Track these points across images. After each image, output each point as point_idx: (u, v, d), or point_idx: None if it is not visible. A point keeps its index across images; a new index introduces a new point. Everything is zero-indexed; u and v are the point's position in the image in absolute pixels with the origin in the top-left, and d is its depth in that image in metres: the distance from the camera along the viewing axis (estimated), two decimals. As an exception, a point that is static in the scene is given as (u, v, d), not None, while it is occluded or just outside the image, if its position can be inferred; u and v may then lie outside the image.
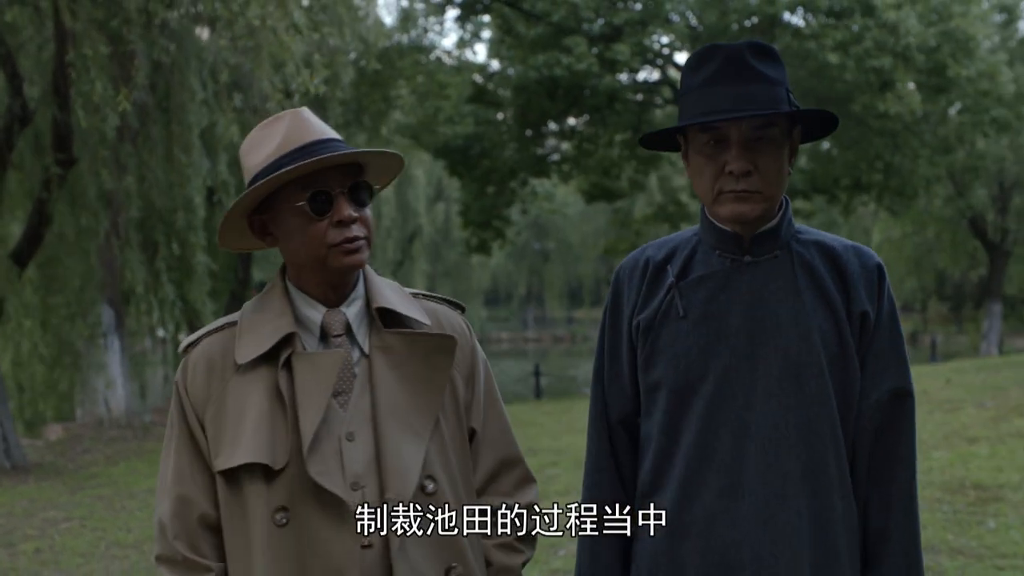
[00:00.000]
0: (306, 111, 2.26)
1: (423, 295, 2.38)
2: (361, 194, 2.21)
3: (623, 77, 19.65)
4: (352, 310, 2.25)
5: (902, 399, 2.31)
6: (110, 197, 13.28)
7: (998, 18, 24.78)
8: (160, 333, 17.78)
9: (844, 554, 2.27)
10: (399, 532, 2.12)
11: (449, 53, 20.99)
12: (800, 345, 2.27)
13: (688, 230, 2.48)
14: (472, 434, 2.34)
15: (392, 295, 2.28)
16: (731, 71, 2.22)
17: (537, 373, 23.54)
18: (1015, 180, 28.24)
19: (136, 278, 13.50)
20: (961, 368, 18.15)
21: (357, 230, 2.18)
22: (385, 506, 2.13)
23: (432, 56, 21.56)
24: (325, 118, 15.39)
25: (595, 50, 19.09)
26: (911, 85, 18.98)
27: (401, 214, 35.40)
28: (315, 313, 2.23)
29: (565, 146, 23.29)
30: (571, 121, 22.24)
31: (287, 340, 2.19)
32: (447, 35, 43.56)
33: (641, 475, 2.41)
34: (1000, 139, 22.75)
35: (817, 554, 2.24)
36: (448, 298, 2.43)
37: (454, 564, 2.20)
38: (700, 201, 2.36)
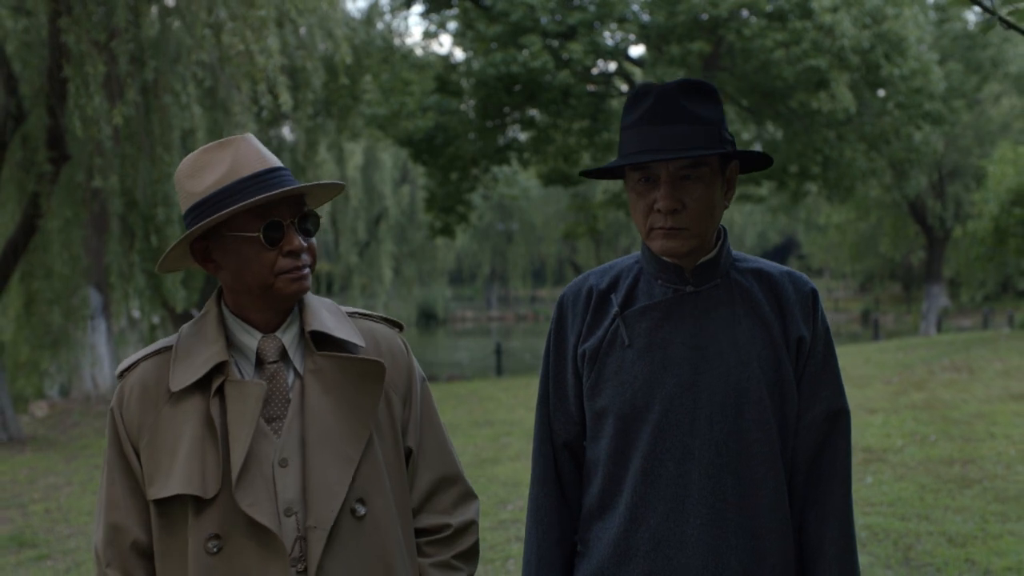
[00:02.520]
0: (251, 138, 2.24)
1: (361, 314, 2.39)
2: (308, 224, 2.22)
3: (578, 72, 20.71)
4: (288, 335, 2.25)
5: (837, 418, 2.39)
6: (96, 192, 14.31)
7: (933, 15, 26.05)
8: (135, 314, 18.83)
9: (779, 569, 2.34)
10: (318, 560, 2.12)
11: (412, 51, 21.87)
12: (740, 372, 2.34)
13: (629, 257, 2.56)
14: (409, 453, 2.34)
15: (327, 317, 2.29)
16: (662, 111, 2.28)
17: (498, 351, 24.40)
18: (951, 169, 29.75)
19: (114, 267, 14.58)
20: (884, 348, 19.44)
21: (305, 259, 2.20)
22: (309, 533, 2.13)
23: (398, 47, 22.48)
24: (296, 117, 16.45)
25: (554, 43, 20.20)
26: (846, 82, 20.19)
27: (368, 196, 36.02)
28: (251, 339, 2.23)
29: (524, 137, 24.27)
30: (530, 112, 23.17)
31: (220, 368, 2.18)
32: (410, 33, 43.71)
33: (587, 498, 2.46)
34: (935, 131, 24.06)
35: (754, 570, 2.32)
36: (386, 316, 2.43)
37: None
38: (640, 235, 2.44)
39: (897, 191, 27.90)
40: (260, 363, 2.22)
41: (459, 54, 23.45)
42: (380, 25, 22.53)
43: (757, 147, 24.64)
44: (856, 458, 8.80)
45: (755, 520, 2.32)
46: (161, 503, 2.14)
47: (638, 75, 23.73)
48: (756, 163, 2.44)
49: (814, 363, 2.38)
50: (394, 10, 22.76)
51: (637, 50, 23.84)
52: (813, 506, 2.37)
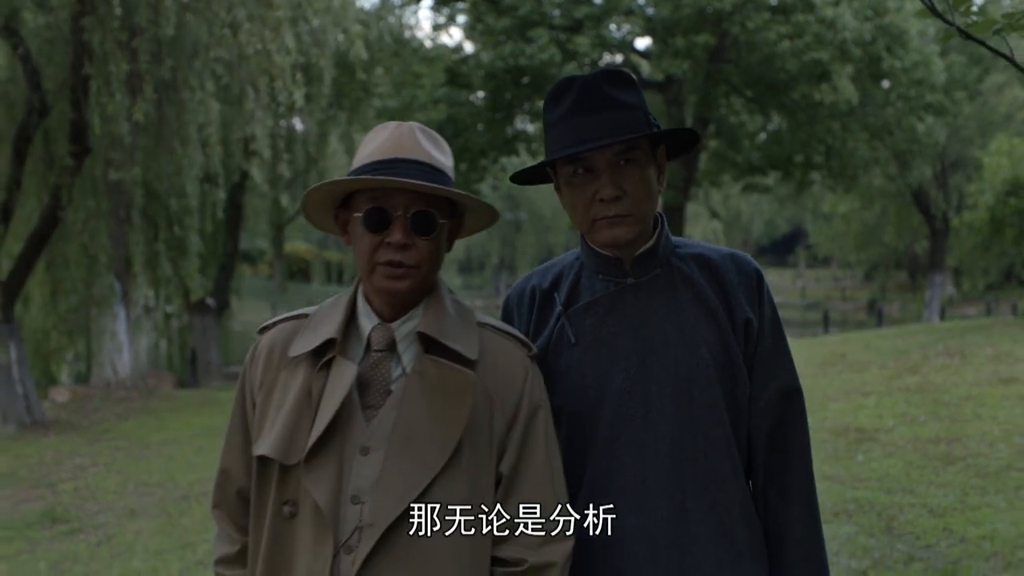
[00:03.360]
0: (410, 127, 2.25)
1: (492, 327, 2.33)
2: (423, 222, 2.16)
3: (585, 66, 21.09)
4: (404, 329, 2.24)
5: (790, 397, 2.38)
6: (115, 184, 14.78)
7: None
8: (150, 304, 19.31)
9: (747, 554, 2.33)
10: (367, 554, 2.10)
11: (423, 44, 22.26)
12: (688, 359, 2.32)
13: (569, 254, 2.55)
14: (499, 479, 2.22)
15: (446, 322, 2.24)
16: (587, 101, 2.27)
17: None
18: (954, 160, 30.12)
19: (137, 256, 15.06)
20: (884, 334, 19.82)
21: (404, 256, 2.16)
22: (364, 527, 2.11)
23: (408, 40, 22.89)
24: (308, 110, 16.89)
25: (561, 36, 20.60)
26: (848, 74, 20.56)
27: None
28: (367, 324, 2.25)
29: (532, 128, 24.69)
30: (538, 103, 23.58)
31: (329, 344, 2.21)
32: (420, 27, 43.96)
33: None
34: (937, 122, 24.39)
35: (723, 559, 2.30)
36: (520, 336, 2.34)
37: None
38: (580, 230, 2.40)
39: (900, 181, 28.26)
40: (369, 348, 2.23)
41: (468, 47, 23.82)
42: (391, 19, 22.92)
43: (762, 137, 25.02)
44: (848, 438, 9.22)
45: (718, 508, 2.31)
46: (259, 460, 2.22)
47: (644, 67, 24.12)
48: (684, 147, 2.46)
49: (764, 344, 2.37)
50: (405, 4, 23.18)
51: (643, 43, 24.22)
52: (774, 485, 2.37)
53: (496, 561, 2.20)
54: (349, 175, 2.20)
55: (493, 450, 2.21)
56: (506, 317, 2.52)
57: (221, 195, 15.79)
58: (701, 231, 51.00)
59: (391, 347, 2.23)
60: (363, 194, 2.18)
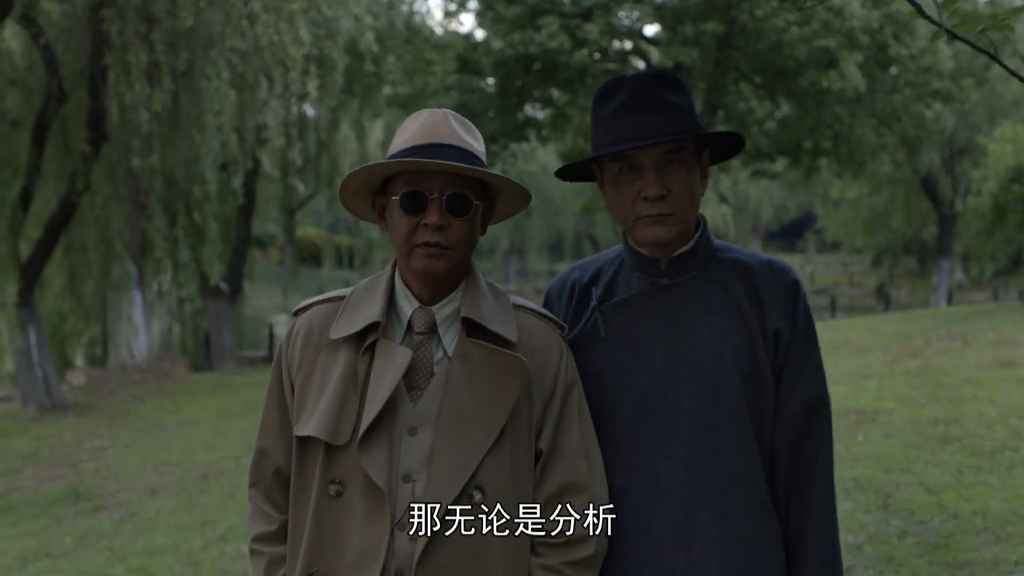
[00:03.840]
0: (444, 113, 2.31)
1: (526, 308, 2.39)
2: (458, 204, 2.23)
3: (595, 55, 21.30)
4: (444, 311, 2.30)
5: (816, 410, 2.39)
6: (131, 171, 15.06)
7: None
8: (164, 288, 19.60)
9: (762, 560, 2.35)
10: (427, 533, 2.16)
11: (434, 31, 22.47)
12: (715, 364, 2.34)
13: (613, 249, 2.60)
14: (539, 455, 2.31)
15: (487, 305, 2.30)
16: (638, 100, 2.31)
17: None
18: (962, 146, 30.27)
19: (157, 242, 15.36)
20: (888, 319, 20.04)
21: (441, 237, 2.22)
22: (425, 506, 2.17)
23: (420, 28, 23.10)
24: (320, 97, 17.14)
25: (571, 23, 20.78)
26: (855, 62, 20.72)
27: None
28: (407, 307, 2.30)
29: (541, 115, 24.89)
30: (549, 90, 23.79)
31: (374, 327, 2.26)
32: (431, 15, 44.10)
33: None
34: (945, 109, 24.52)
35: (736, 562, 2.32)
36: (552, 317, 2.43)
37: (473, 569, 2.21)
38: (623, 227, 2.45)
39: (908, 167, 28.42)
40: (410, 331, 2.29)
41: (480, 34, 24.02)
42: (403, 6, 23.11)
43: (771, 123, 25.17)
44: (849, 419, 9.46)
45: (733, 510, 2.33)
46: (301, 440, 2.27)
47: (654, 54, 24.28)
48: (728, 152, 2.50)
49: (794, 354, 2.38)
50: (416, -9, 23.37)
51: (652, 30, 24.37)
52: (795, 495, 2.38)
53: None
54: (388, 159, 2.27)
55: (532, 428, 2.28)
56: (547, 307, 2.55)
57: (239, 182, 16.06)
58: (710, 216, 51.09)
59: (432, 329, 2.28)
60: (400, 178, 2.24)
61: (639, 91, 2.32)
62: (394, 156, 2.25)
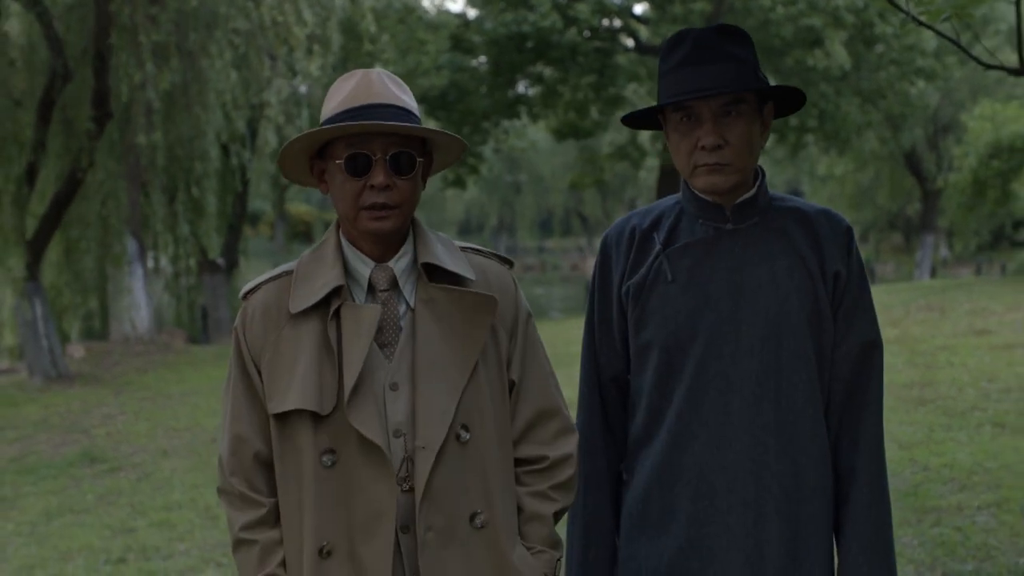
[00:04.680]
0: (378, 73, 2.30)
1: (472, 249, 2.43)
2: (402, 163, 2.23)
3: (584, 31, 21.69)
4: (400, 265, 2.31)
5: (870, 350, 2.49)
6: (131, 147, 15.45)
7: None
8: (163, 264, 20.02)
9: (818, 492, 2.45)
10: (426, 478, 2.20)
11: (427, 11, 22.81)
12: (779, 306, 2.43)
13: (670, 198, 2.64)
14: (512, 385, 2.37)
15: (440, 250, 2.32)
16: (700, 53, 2.38)
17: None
18: (946, 123, 30.79)
19: (158, 216, 15.79)
20: (872, 292, 20.54)
21: (387, 197, 2.22)
22: (417, 453, 2.21)
23: (414, 7, 23.43)
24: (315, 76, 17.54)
25: (562, 2, 21.18)
26: (841, 40, 21.15)
27: None
28: (364, 267, 2.30)
29: (533, 92, 25.27)
30: (540, 68, 24.17)
31: (336, 292, 2.26)
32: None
33: (633, 428, 2.56)
34: (929, 87, 24.98)
35: (794, 494, 2.43)
36: (499, 254, 2.47)
37: (479, 510, 2.25)
38: (680, 174, 2.53)
39: (892, 144, 28.92)
40: (372, 290, 2.30)
41: (472, 12, 24.36)
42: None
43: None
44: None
45: (794, 446, 2.42)
46: (280, 417, 2.25)
47: (643, 32, 24.66)
48: (789, 107, 2.56)
49: (850, 297, 2.46)
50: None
51: (641, 8, 24.77)
52: (847, 433, 2.48)
53: (518, 462, 2.38)
54: (324, 123, 2.26)
55: (503, 361, 2.35)
56: (604, 255, 2.63)
57: (244, 159, 16.45)
58: (698, 193, 51.33)
59: (394, 285, 2.30)
60: (340, 141, 2.23)
61: (702, 44, 2.39)
62: (330, 119, 2.25)
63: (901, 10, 5.24)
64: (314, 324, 2.25)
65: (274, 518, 2.30)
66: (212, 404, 12.34)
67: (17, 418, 12.52)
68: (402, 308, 2.30)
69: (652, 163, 30.50)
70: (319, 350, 2.23)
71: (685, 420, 2.44)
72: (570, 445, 2.41)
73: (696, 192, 2.49)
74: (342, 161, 2.21)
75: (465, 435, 2.25)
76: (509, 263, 2.48)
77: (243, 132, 16.23)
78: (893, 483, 6.83)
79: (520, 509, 2.36)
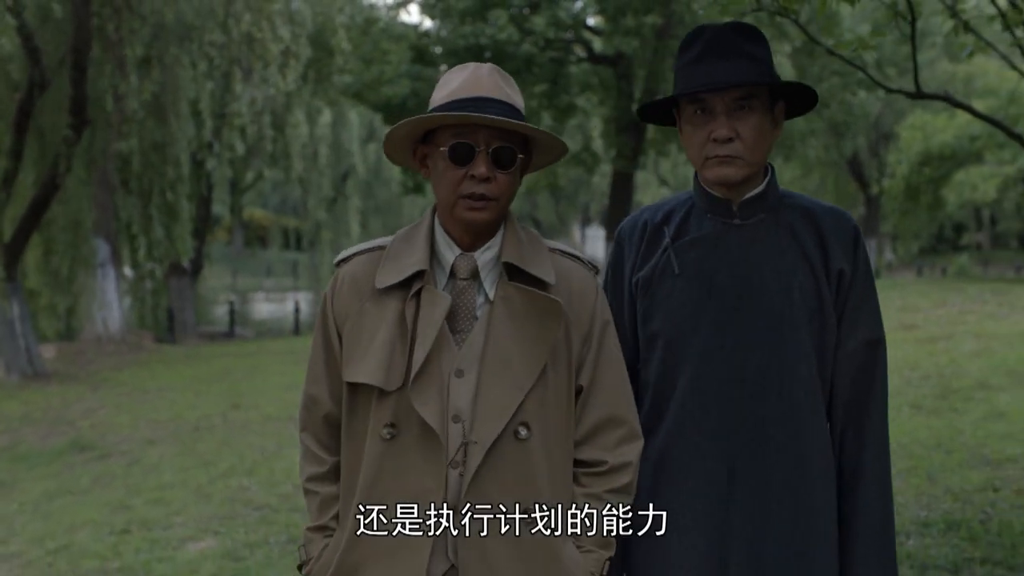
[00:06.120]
0: (489, 68, 2.35)
1: (561, 252, 2.45)
2: (503, 156, 2.28)
3: (540, 44, 22.46)
4: (484, 257, 2.35)
5: (874, 347, 2.52)
6: (103, 152, 16.07)
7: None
8: (128, 272, 20.57)
9: (819, 484, 2.48)
10: (474, 470, 2.24)
11: (390, 24, 23.40)
12: (782, 300, 2.46)
13: (682, 193, 2.69)
14: (580, 390, 2.39)
15: (526, 250, 2.36)
16: (715, 49, 2.43)
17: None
18: (886, 131, 32.01)
19: (134, 220, 16.42)
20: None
21: (487, 189, 2.27)
22: (470, 445, 2.25)
23: (377, 20, 24.09)
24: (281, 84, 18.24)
25: (519, 15, 21.93)
26: (785, 52, 22.10)
27: (335, 154, 36.95)
28: (450, 254, 2.35)
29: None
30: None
31: (419, 275, 2.31)
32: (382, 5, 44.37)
33: (640, 417, 2.50)
34: (870, 96, 26.04)
35: (797, 486, 2.46)
36: (583, 257, 2.49)
37: (529, 505, 2.28)
38: (693, 167, 2.59)
39: (835, 151, 30.02)
40: (453, 277, 2.35)
41: (428, 23, 25.07)
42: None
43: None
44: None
45: (797, 440, 2.46)
46: (351, 386, 2.33)
47: (597, 43, 25.50)
48: (800, 108, 2.60)
49: (855, 294, 2.49)
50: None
51: (594, 21, 25.59)
52: (852, 429, 2.50)
53: (578, 463, 2.39)
54: (433, 111, 2.32)
55: (572, 366, 2.36)
56: (618, 247, 2.69)
57: (210, 165, 17.10)
58: (651, 198, 52.29)
59: (475, 275, 2.34)
60: (447, 130, 2.29)
61: (716, 40, 2.45)
62: (439, 108, 2.31)
63: (817, 43, 6.11)
64: (395, 302, 2.32)
65: (334, 475, 2.41)
66: (189, 399, 12.96)
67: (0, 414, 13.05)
68: (480, 299, 2.35)
69: (605, 168, 31.35)
70: (395, 327, 2.30)
71: (689, 408, 2.50)
72: (632, 453, 2.42)
73: (706, 187, 2.56)
74: (446, 149, 2.28)
75: (524, 433, 2.28)
76: (595, 268, 2.51)
77: (210, 140, 16.88)
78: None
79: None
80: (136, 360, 17.43)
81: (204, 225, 24.44)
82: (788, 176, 35.74)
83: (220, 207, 41.85)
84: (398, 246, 2.38)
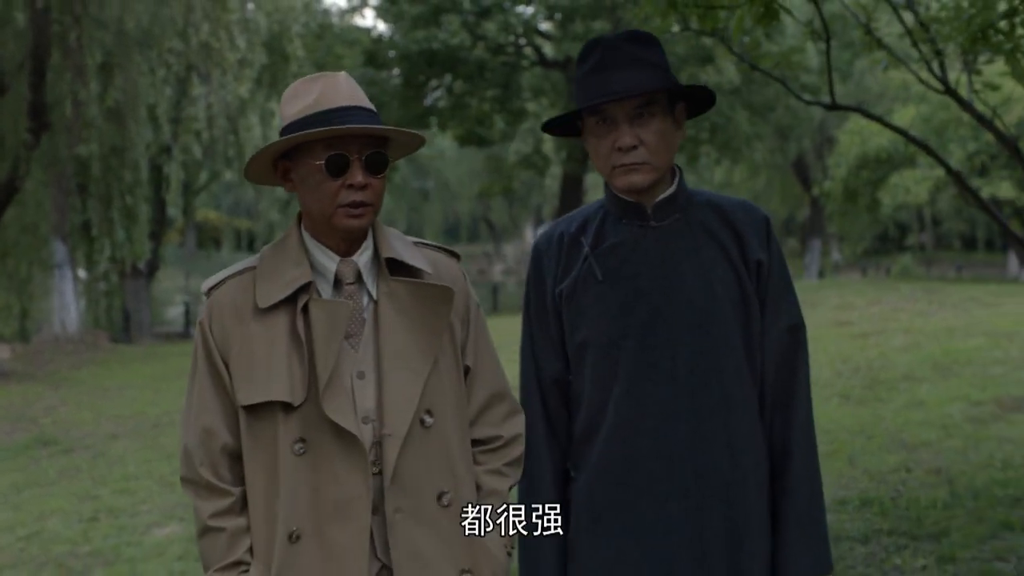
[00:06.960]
0: (343, 77, 2.34)
1: (424, 244, 2.48)
2: (377, 163, 2.28)
3: (492, 48, 22.95)
4: (363, 259, 2.36)
5: (795, 332, 2.57)
6: (64, 158, 16.34)
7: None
8: (82, 274, 20.77)
9: (753, 474, 2.52)
10: (394, 463, 2.26)
11: (343, 29, 23.77)
12: (705, 296, 2.50)
13: (594, 203, 2.70)
14: (467, 371, 2.45)
15: (399, 245, 2.38)
16: (611, 58, 2.44)
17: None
18: (830, 135, 32.81)
19: (94, 222, 16.70)
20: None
21: (364, 196, 2.27)
22: (384, 439, 2.28)
23: (331, 25, 24.46)
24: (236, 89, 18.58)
25: (471, 21, 22.39)
26: (730, 58, 22.68)
27: None
28: (329, 262, 2.35)
29: (443, 102, 26.44)
30: (450, 80, 25.33)
31: (304, 288, 2.30)
32: (336, 10, 44.75)
33: (576, 427, 2.60)
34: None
35: (731, 479, 2.50)
36: (445, 247, 2.53)
37: (446, 489, 2.33)
38: (603, 177, 2.58)
39: (780, 154, 30.74)
40: (338, 284, 2.35)
41: (382, 27, 25.44)
42: (317, 5, 24.35)
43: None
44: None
45: (728, 430, 2.49)
46: (250, 409, 2.29)
47: (547, 48, 26.02)
48: (701, 107, 2.62)
49: (774, 283, 2.53)
50: (323, -13, 24.69)
51: (545, 26, 26.10)
52: (779, 412, 2.54)
53: (474, 443, 2.46)
54: (293, 125, 2.28)
55: (458, 348, 2.42)
56: (536, 261, 2.70)
57: (170, 168, 17.42)
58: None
59: (359, 279, 2.36)
60: (317, 143, 2.27)
61: (612, 50, 2.46)
62: (301, 121, 2.28)
63: (740, 58, 6.57)
64: (282, 318, 2.30)
65: (241, 506, 2.34)
66: (149, 396, 13.22)
67: (-41, 412, 13.22)
68: (365, 300, 2.36)
69: (556, 171, 31.87)
70: (289, 343, 2.28)
71: (624, 413, 2.51)
72: (520, 425, 2.52)
73: (617, 193, 2.56)
74: (322, 162, 2.26)
75: (429, 420, 2.32)
76: (456, 256, 2.55)
77: (168, 143, 17.21)
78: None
79: (478, 487, 2.43)
80: (93, 359, 17.65)
81: (160, 227, 24.65)
82: (735, 179, 36.52)
83: (174, 209, 41.89)
84: (269, 264, 2.37)
